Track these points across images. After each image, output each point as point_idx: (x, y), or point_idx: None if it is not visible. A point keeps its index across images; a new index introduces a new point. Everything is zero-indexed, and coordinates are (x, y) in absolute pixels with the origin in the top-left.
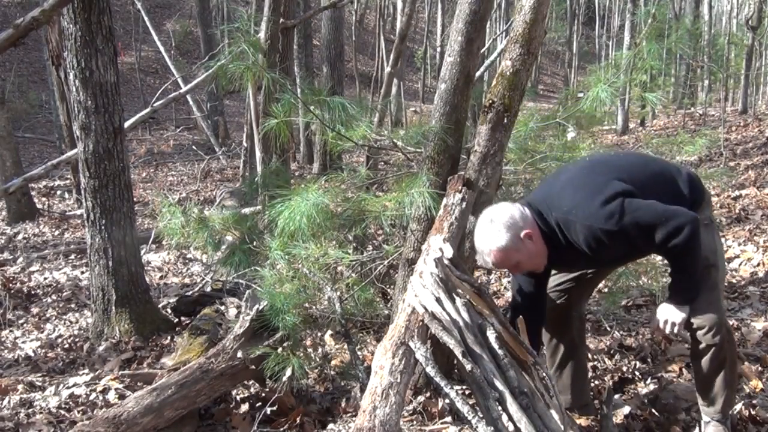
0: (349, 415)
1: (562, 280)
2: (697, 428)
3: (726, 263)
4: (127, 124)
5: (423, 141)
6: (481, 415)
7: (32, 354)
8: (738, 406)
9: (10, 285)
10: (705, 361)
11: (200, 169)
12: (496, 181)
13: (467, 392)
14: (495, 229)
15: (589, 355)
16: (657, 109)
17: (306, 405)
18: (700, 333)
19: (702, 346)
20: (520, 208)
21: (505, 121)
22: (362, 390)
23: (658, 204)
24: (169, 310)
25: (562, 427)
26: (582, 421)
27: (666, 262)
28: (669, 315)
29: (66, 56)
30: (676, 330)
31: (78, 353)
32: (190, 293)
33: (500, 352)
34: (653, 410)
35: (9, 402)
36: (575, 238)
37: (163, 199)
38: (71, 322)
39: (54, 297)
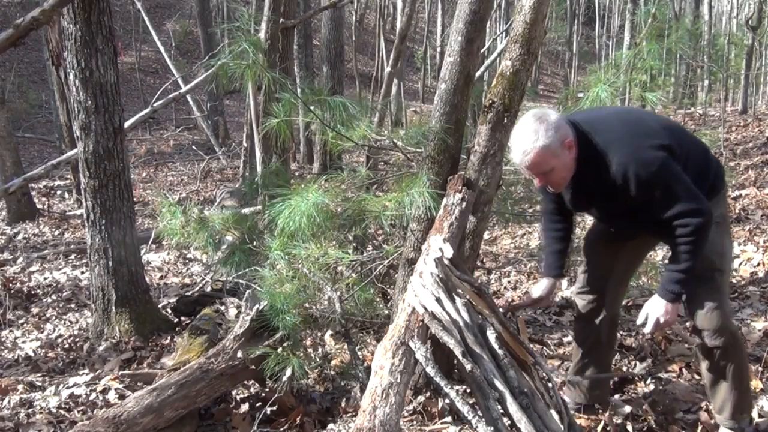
0: (349, 415)
1: (596, 279)
2: None
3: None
4: (127, 124)
5: (423, 141)
6: (481, 415)
7: (32, 354)
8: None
9: (10, 285)
10: (710, 364)
11: (200, 169)
12: (496, 181)
13: (467, 392)
14: (543, 128)
15: None
16: (657, 109)
17: (306, 405)
18: (704, 335)
19: (707, 349)
20: (564, 117)
21: (505, 121)
22: (362, 390)
23: (689, 181)
24: (169, 310)
25: (562, 427)
26: (582, 421)
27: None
28: (652, 309)
29: (66, 56)
30: (650, 329)
31: (78, 353)
32: (190, 293)
33: (500, 352)
34: (653, 410)
35: (9, 402)
36: (606, 168)
37: (163, 199)
38: (71, 322)
39: (54, 297)
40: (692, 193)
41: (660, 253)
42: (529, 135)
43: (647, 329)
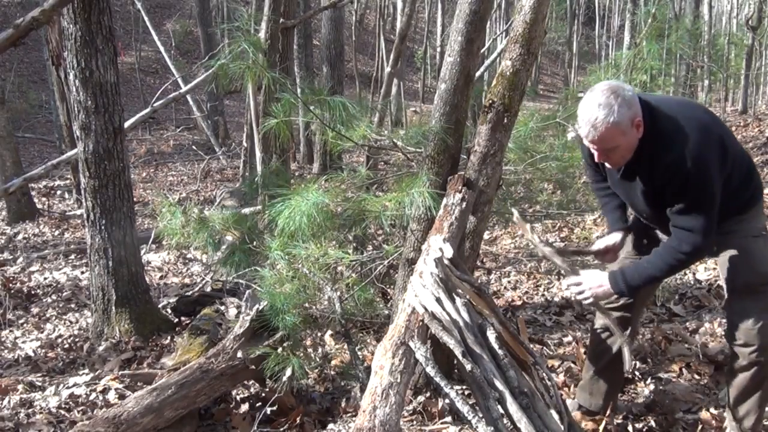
0: (349, 415)
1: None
2: None
3: None
4: (127, 124)
5: (423, 141)
6: (481, 415)
7: (32, 354)
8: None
9: (10, 285)
10: (744, 378)
11: (200, 169)
12: (496, 181)
13: (467, 392)
14: (617, 102)
15: None
16: None
17: (306, 405)
18: (744, 350)
19: (744, 363)
20: (636, 94)
21: (505, 121)
22: (362, 390)
23: (716, 209)
24: (169, 310)
25: (562, 427)
26: (586, 424)
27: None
28: (592, 282)
29: (66, 56)
30: (579, 297)
31: (78, 353)
32: (190, 293)
33: (500, 352)
34: (653, 410)
35: (9, 402)
36: (664, 154)
37: (163, 199)
38: (71, 322)
39: (54, 297)
40: (711, 221)
41: None
42: (602, 108)
43: (582, 297)
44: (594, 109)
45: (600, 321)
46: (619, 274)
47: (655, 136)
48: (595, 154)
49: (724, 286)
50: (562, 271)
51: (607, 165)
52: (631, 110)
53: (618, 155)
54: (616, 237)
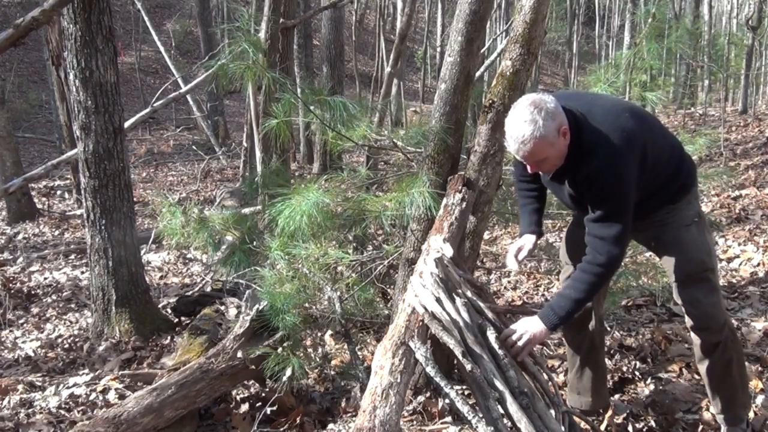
0: (349, 415)
1: None
2: None
3: (725, 262)
4: (127, 124)
5: (423, 141)
6: (481, 415)
7: (32, 354)
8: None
9: (10, 285)
10: (712, 362)
11: (200, 169)
12: (496, 181)
13: (467, 392)
14: (540, 116)
15: None
16: (657, 109)
17: (306, 405)
18: (704, 334)
19: (707, 347)
20: (558, 103)
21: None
22: (362, 390)
23: (628, 225)
24: (169, 310)
25: (562, 427)
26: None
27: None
28: (527, 327)
29: (66, 56)
30: (521, 343)
31: (78, 353)
32: (190, 293)
33: (500, 352)
34: (653, 410)
35: (9, 402)
36: (584, 165)
37: (163, 199)
38: (71, 322)
39: (54, 297)
40: (625, 231)
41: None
42: (527, 124)
43: (521, 343)
44: (520, 126)
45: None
46: (548, 310)
47: (579, 147)
48: (528, 167)
49: (670, 279)
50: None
51: None
52: (555, 121)
53: (549, 164)
54: (529, 239)
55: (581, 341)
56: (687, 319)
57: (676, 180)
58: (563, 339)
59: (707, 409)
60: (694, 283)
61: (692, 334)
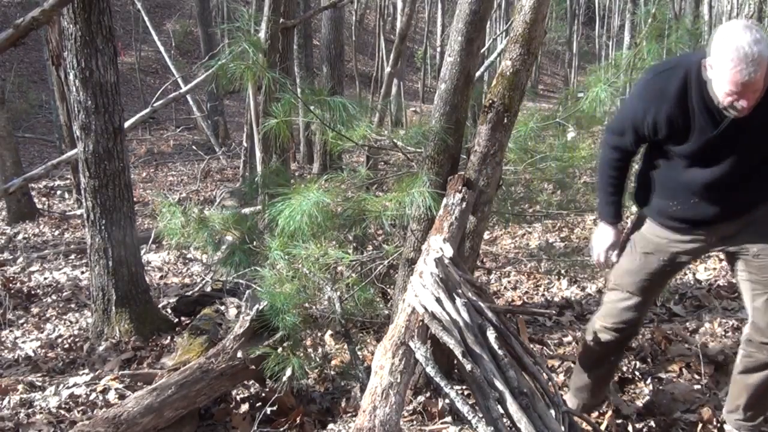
0: (349, 415)
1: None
2: None
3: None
4: (127, 124)
5: (423, 141)
6: (481, 415)
7: (32, 354)
8: None
9: (10, 285)
10: (760, 377)
11: (200, 169)
12: (496, 181)
13: (467, 392)
14: (764, 36)
15: None
16: None
17: (306, 405)
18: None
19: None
20: None
21: (505, 121)
22: (362, 390)
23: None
24: (169, 310)
25: (562, 428)
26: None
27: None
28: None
29: (66, 56)
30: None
31: (78, 353)
32: (190, 293)
33: (500, 352)
34: (653, 410)
35: (9, 402)
36: None
37: (163, 199)
38: (71, 322)
39: (54, 297)
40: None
41: None
42: (759, 44)
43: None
44: (752, 45)
45: (599, 323)
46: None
47: None
48: (741, 104)
49: (759, 280)
50: None
51: (696, 128)
52: None
53: (758, 96)
54: (617, 234)
55: (606, 364)
56: (756, 333)
57: None
58: (590, 343)
59: (707, 409)
60: None
61: (752, 348)
